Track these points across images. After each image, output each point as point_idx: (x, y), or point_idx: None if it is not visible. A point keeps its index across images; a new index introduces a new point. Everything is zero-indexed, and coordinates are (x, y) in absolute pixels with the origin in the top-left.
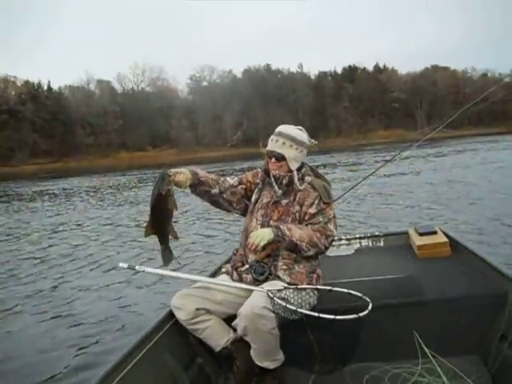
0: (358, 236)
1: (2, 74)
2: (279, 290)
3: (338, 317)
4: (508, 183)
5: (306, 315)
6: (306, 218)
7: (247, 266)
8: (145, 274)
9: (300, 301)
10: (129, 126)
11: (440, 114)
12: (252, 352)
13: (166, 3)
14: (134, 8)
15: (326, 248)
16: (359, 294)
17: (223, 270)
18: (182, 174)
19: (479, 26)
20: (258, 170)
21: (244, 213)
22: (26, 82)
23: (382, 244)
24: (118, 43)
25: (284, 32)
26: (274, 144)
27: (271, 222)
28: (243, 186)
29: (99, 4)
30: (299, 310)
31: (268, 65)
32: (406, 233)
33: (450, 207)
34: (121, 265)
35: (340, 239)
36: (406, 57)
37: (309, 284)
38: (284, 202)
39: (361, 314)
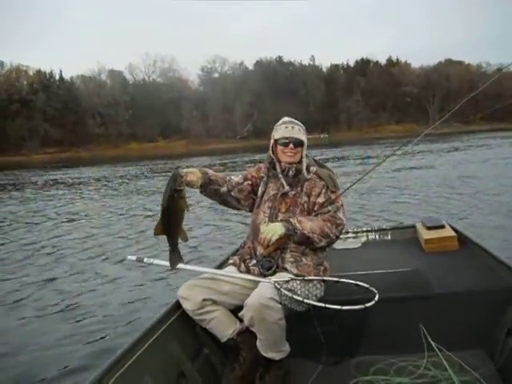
0: (365, 229)
1: (14, 63)
2: (286, 282)
3: (345, 307)
4: None
5: (313, 306)
6: (316, 208)
7: (255, 262)
8: (153, 266)
9: (307, 292)
10: (139, 117)
11: (453, 109)
12: (258, 343)
13: None
14: None
15: (337, 237)
16: (366, 285)
17: (230, 261)
18: (193, 173)
19: (495, 20)
20: (260, 164)
21: (252, 208)
22: (38, 72)
23: (389, 237)
24: (129, 34)
25: (297, 24)
26: (291, 130)
27: (279, 215)
28: (249, 182)
29: None
30: (306, 300)
31: (280, 57)
32: (414, 226)
33: (459, 201)
34: (129, 257)
35: (347, 232)
36: (420, 50)
37: (316, 276)
38: (291, 193)
39: (367, 305)
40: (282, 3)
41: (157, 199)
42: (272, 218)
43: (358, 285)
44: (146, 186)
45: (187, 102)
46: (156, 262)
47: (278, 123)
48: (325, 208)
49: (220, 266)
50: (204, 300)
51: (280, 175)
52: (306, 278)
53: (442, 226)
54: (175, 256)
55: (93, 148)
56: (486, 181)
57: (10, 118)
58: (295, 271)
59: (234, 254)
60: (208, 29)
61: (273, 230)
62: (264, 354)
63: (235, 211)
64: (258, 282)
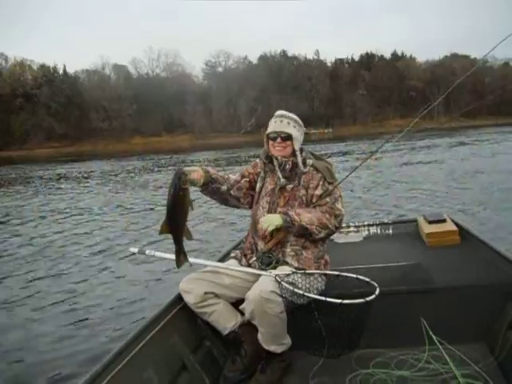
0: (366, 223)
1: (18, 57)
2: (287, 275)
3: (346, 301)
4: None
5: (314, 299)
6: (314, 200)
7: (255, 258)
8: (155, 259)
9: (308, 285)
10: (143, 111)
11: (458, 104)
12: (259, 336)
13: None
14: None
15: (337, 228)
16: (367, 279)
17: (232, 255)
18: (196, 171)
19: (504, 14)
20: (257, 160)
21: (252, 205)
22: (42, 66)
23: (390, 231)
24: (133, 28)
25: (302, 18)
26: (279, 124)
27: (278, 209)
28: (246, 179)
29: None
30: (307, 294)
31: (284, 51)
32: (415, 220)
33: (462, 195)
34: (131, 249)
35: (348, 226)
36: (426, 44)
37: (317, 269)
38: (289, 186)
39: (368, 299)
40: None
41: (162, 193)
42: (271, 212)
43: (358, 278)
44: (151, 180)
45: (191, 96)
46: (158, 254)
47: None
48: (323, 200)
49: (221, 260)
50: (205, 293)
51: (277, 169)
52: (307, 271)
53: (444, 220)
54: (181, 255)
55: (97, 142)
56: (489, 175)
57: (15, 113)
58: (296, 264)
59: (235, 247)
60: (211, 23)
61: (269, 221)
62: (265, 347)
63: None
64: (260, 275)
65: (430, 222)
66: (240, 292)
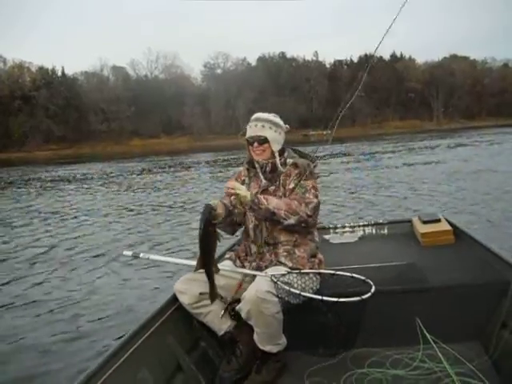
0: (361, 224)
1: (16, 59)
2: (283, 275)
3: (342, 299)
4: None
5: (310, 299)
6: (287, 194)
7: (250, 258)
8: (151, 261)
9: (303, 285)
10: (142, 113)
11: (457, 105)
12: (255, 336)
13: None
14: None
15: (309, 216)
16: (362, 278)
17: (227, 256)
18: (219, 205)
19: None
20: (240, 169)
21: None
22: (41, 68)
23: (385, 232)
24: (132, 30)
25: (301, 19)
26: (254, 129)
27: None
28: (233, 197)
29: None
30: (303, 293)
31: (283, 53)
32: (410, 221)
33: (460, 196)
34: (125, 253)
35: (344, 227)
36: (425, 46)
37: (311, 269)
38: (271, 188)
39: (364, 297)
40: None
41: (163, 195)
42: (256, 217)
43: (354, 277)
44: (151, 182)
45: (190, 98)
46: (152, 257)
47: None
48: (295, 192)
49: (217, 261)
50: (201, 294)
51: (259, 171)
52: (302, 271)
53: (438, 220)
54: (214, 291)
55: (95, 144)
56: (488, 175)
57: (13, 115)
58: (290, 264)
59: (229, 249)
60: (210, 25)
61: (244, 190)
62: (261, 347)
63: None
64: (255, 275)
65: (425, 222)
66: (236, 293)
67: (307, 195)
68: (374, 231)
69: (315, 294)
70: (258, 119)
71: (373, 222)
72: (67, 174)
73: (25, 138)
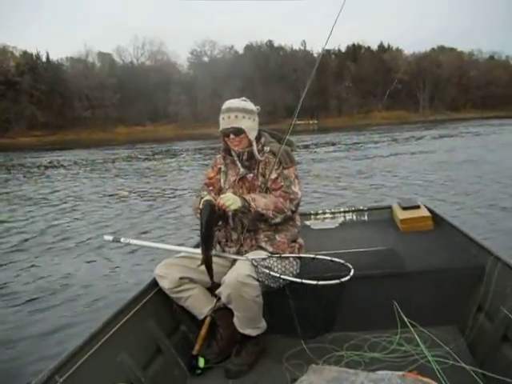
0: (342, 210)
1: (0, 43)
2: (263, 259)
3: (321, 282)
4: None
5: (290, 283)
6: (269, 184)
7: (229, 243)
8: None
9: (283, 269)
10: (127, 101)
11: (443, 97)
12: (235, 319)
13: None
14: None
15: (293, 212)
16: (341, 261)
17: None
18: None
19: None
20: (216, 156)
21: None
22: (25, 53)
23: (366, 218)
24: (118, 16)
25: (290, 8)
26: (227, 121)
27: None
28: (211, 188)
29: None
30: (283, 276)
31: (270, 41)
32: (390, 207)
33: (442, 185)
34: (106, 237)
35: (324, 213)
36: (414, 37)
37: (291, 253)
38: (249, 176)
39: (342, 280)
40: None
41: (150, 182)
42: None
43: (333, 261)
44: (138, 169)
45: (176, 85)
46: (133, 241)
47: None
48: (277, 183)
49: (197, 246)
50: (181, 278)
51: (236, 159)
52: (282, 255)
53: (418, 207)
54: (215, 285)
55: (80, 131)
56: (471, 166)
57: None
58: (271, 249)
59: None
60: (197, 11)
61: (233, 199)
62: (241, 331)
63: None
64: (235, 260)
65: (404, 209)
66: (216, 277)
67: (293, 188)
68: (354, 217)
69: (295, 277)
70: (229, 110)
71: (353, 209)
72: (53, 161)
73: (8, 125)
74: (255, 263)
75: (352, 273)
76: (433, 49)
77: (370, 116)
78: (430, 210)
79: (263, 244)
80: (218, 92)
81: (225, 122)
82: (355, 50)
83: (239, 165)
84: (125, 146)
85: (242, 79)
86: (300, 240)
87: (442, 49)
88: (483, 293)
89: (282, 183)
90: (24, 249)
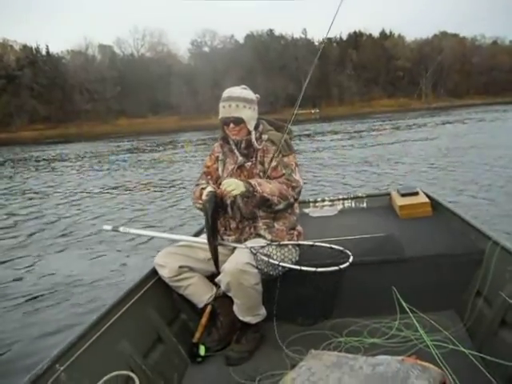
0: (341, 197)
1: None
2: (262, 247)
3: (320, 269)
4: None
5: (289, 270)
6: (269, 172)
7: (229, 232)
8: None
9: (282, 257)
10: (128, 93)
11: (445, 84)
12: (235, 307)
13: None
14: None
15: (295, 199)
16: (340, 248)
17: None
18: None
19: None
20: (214, 145)
21: None
22: (25, 47)
23: (364, 205)
24: (118, 8)
25: None
26: (228, 109)
27: None
28: (210, 177)
29: None
30: (282, 263)
31: (271, 30)
32: (389, 194)
33: (446, 171)
34: (105, 227)
35: (323, 200)
36: (416, 23)
37: (290, 241)
38: (248, 164)
39: (342, 266)
40: None
41: (153, 174)
42: None
43: (332, 248)
44: (143, 161)
45: (177, 77)
46: (132, 231)
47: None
48: (278, 171)
49: (196, 235)
50: (180, 267)
51: (234, 148)
52: (281, 243)
53: (416, 193)
54: (217, 273)
55: (81, 124)
56: (476, 151)
57: None
58: (269, 237)
59: None
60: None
61: (235, 185)
62: (241, 318)
63: None
64: (234, 248)
65: (403, 195)
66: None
67: (294, 176)
68: (353, 204)
69: (294, 265)
70: (230, 98)
71: (352, 196)
72: (57, 154)
73: (9, 119)
74: (254, 251)
75: (351, 259)
76: (435, 35)
77: (372, 104)
78: (429, 196)
79: (262, 232)
80: (219, 82)
81: (225, 110)
82: (356, 38)
83: (237, 153)
84: (129, 138)
85: (243, 69)
86: (299, 227)
87: (444, 34)
88: (482, 278)
89: (284, 171)
90: (27, 244)
